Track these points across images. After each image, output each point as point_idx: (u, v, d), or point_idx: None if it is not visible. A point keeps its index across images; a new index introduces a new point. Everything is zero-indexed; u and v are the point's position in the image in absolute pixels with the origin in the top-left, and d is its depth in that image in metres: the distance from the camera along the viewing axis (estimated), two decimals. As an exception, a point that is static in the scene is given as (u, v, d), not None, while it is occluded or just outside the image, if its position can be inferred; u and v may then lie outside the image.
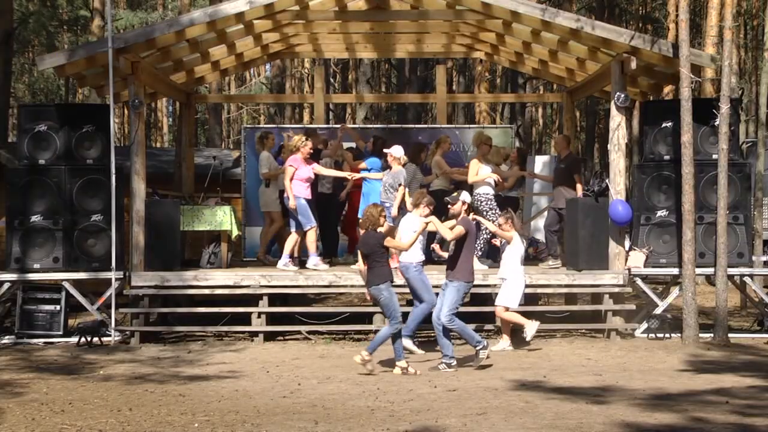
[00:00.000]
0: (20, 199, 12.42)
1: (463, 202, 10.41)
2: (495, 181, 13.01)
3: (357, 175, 13.34)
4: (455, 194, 10.65)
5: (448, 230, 10.21)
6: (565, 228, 13.44)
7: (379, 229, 9.97)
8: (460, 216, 10.33)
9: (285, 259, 12.82)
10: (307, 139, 12.88)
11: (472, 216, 10.71)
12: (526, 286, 11.46)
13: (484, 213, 12.65)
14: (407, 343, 10.61)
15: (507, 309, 11.11)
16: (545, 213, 18.57)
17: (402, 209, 12.01)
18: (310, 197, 12.83)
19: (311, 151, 12.95)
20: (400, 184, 12.35)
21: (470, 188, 12.76)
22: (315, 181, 13.18)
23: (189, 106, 16.05)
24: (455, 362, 10.00)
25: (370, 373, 9.58)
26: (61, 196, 12.43)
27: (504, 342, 11.21)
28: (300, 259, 13.27)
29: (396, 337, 9.75)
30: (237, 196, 15.92)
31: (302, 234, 12.89)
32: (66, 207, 12.44)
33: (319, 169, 13.04)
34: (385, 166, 12.87)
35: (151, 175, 13.81)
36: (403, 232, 10.74)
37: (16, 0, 26.37)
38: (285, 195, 12.84)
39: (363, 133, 15.89)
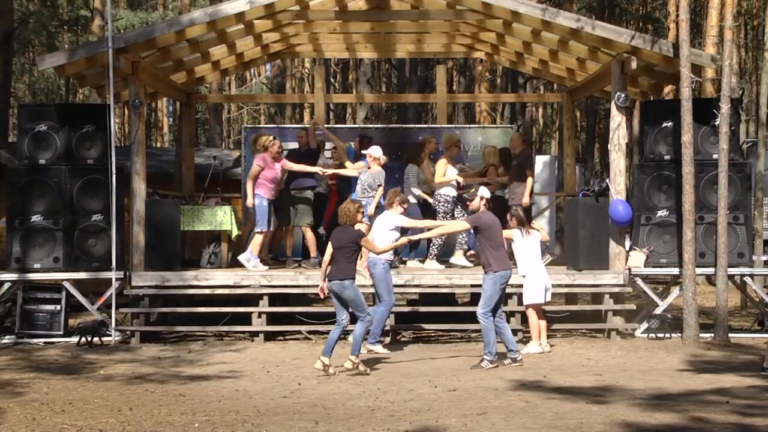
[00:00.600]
0: (20, 199, 12.43)
1: (481, 198, 10.45)
2: (458, 183, 13.01)
3: (329, 171, 13.31)
4: (473, 190, 10.70)
5: (441, 228, 10.30)
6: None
7: (358, 226, 9.98)
8: (479, 212, 10.36)
9: (255, 260, 12.76)
10: (274, 138, 12.89)
11: (526, 227, 10.90)
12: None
13: (441, 214, 12.80)
14: (377, 348, 10.79)
15: (532, 306, 10.99)
16: (546, 213, 18.64)
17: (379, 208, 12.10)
18: (272, 198, 12.81)
19: (280, 150, 12.95)
20: (379, 185, 12.37)
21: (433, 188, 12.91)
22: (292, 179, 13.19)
23: (189, 106, 16.05)
24: (520, 356, 10.14)
25: (363, 373, 9.57)
26: (62, 196, 12.44)
27: (533, 344, 11.03)
28: (278, 259, 13.35)
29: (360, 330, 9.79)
30: (237, 196, 15.89)
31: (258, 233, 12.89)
32: (66, 207, 12.44)
33: (289, 165, 13.03)
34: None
35: (152, 175, 13.80)
36: (377, 230, 10.82)
37: (16, 0, 26.36)
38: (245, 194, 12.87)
39: (362, 134, 15.86)
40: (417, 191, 13.57)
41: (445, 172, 12.97)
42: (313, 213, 13.55)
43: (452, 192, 13.01)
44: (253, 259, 12.75)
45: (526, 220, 11.16)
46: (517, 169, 13.38)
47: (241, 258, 12.79)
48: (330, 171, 13.36)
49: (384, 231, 10.82)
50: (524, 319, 11.64)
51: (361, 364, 9.67)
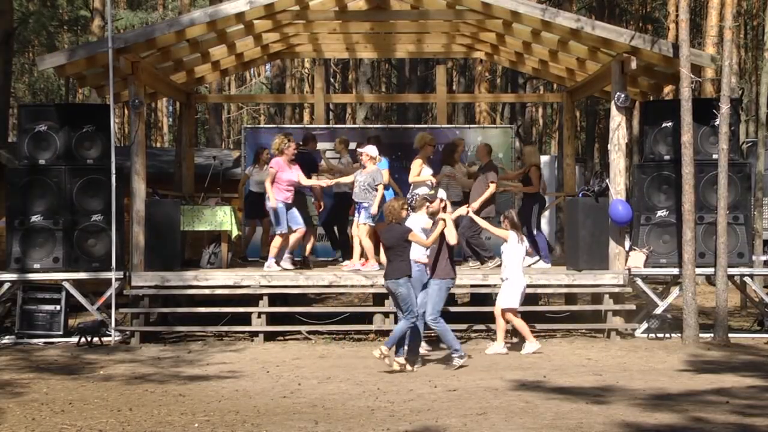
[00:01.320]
0: (20, 199, 12.42)
1: (441, 200, 10.44)
2: (432, 184, 12.94)
3: (332, 182, 13.17)
4: (432, 192, 10.68)
5: (430, 238, 10.28)
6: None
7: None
8: (438, 214, 10.34)
9: (270, 261, 12.72)
10: (289, 141, 12.71)
11: (518, 232, 11.01)
12: (527, 286, 11.44)
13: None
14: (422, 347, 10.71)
15: (509, 310, 11.03)
16: (545, 213, 18.63)
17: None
18: (290, 201, 12.67)
19: (295, 152, 12.81)
20: (378, 183, 12.34)
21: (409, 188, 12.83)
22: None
23: (189, 106, 16.05)
24: (464, 353, 10.15)
25: (390, 367, 9.63)
26: (61, 196, 12.44)
27: (498, 345, 11.07)
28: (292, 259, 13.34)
29: (405, 333, 9.82)
30: (237, 196, 15.91)
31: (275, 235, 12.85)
32: (66, 207, 12.44)
33: (302, 179, 12.84)
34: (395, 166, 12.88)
35: (151, 175, 13.81)
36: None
37: (16, 0, 26.37)
38: (266, 196, 12.69)
39: (363, 133, 15.88)
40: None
41: (420, 171, 12.88)
42: (340, 214, 13.69)
43: (426, 191, 12.93)
44: (270, 260, 12.71)
45: (519, 224, 11.23)
46: (484, 180, 13.23)
47: (265, 267, 12.72)
48: (332, 182, 13.17)
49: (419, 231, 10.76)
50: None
51: (389, 358, 9.68)
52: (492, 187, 13.06)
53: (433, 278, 10.20)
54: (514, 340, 11.48)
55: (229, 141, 39.15)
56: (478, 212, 12.50)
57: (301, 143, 13.79)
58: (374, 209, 12.18)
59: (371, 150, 12.55)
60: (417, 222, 10.77)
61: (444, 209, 10.46)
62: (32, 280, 12.38)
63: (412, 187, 12.80)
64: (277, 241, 12.68)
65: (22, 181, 12.47)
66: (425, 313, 10.06)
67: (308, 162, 13.43)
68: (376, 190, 12.34)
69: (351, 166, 13.96)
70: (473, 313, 12.24)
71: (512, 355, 10.87)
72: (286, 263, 12.78)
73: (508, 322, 11.08)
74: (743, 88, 25.41)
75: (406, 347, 9.89)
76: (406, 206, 10.15)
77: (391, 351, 9.80)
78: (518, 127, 30.14)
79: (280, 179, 12.51)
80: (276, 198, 12.46)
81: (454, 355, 10.08)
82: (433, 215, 10.43)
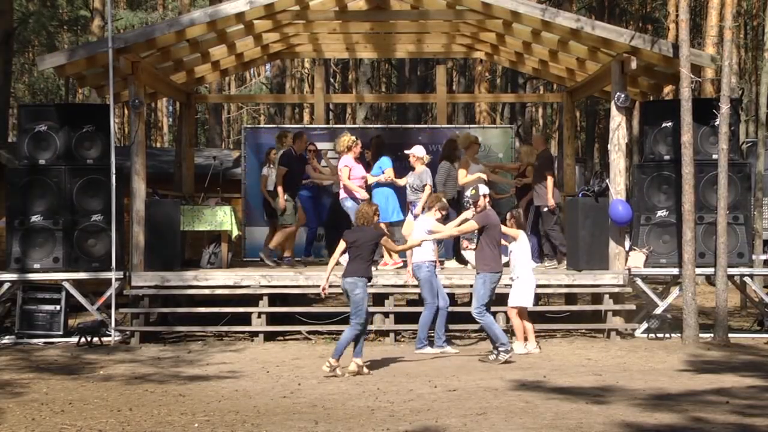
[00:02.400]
0: (20, 199, 12.42)
1: (484, 196, 10.52)
2: (485, 179, 13.01)
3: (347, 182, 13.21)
4: (473, 191, 10.71)
5: (454, 228, 10.33)
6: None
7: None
8: (485, 209, 10.45)
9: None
10: (357, 138, 12.94)
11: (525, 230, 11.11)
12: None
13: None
14: (443, 348, 10.82)
15: (523, 308, 10.97)
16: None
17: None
18: (365, 198, 12.61)
19: (361, 150, 13.03)
20: (425, 184, 12.35)
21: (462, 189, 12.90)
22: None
23: (189, 106, 16.05)
24: (510, 347, 10.25)
25: (336, 375, 9.51)
26: (61, 196, 12.44)
27: (530, 344, 11.00)
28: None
29: (359, 337, 9.70)
30: (237, 196, 15.91)
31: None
32: (66, 207, 12.44)
33: (314, 173, 13.02)
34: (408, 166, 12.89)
35: (151, 175, 13.81)
36: (414, 231, 10.80)
37: (16, 0, 26.36)
38: (343, 196, 12.83)
39: (363, 134, 15.87)
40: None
41: (467, 172, 12.99)
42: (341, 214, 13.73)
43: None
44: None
45: (524, 224, 11.24)
46: (538, 170, 13.38)
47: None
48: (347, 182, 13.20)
49: (420, 233, 10.75)
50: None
51: (339, 368, 9.53)
52: (550, 181, 13.14)
53: (477, 272, 10.31)
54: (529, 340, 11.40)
55: (229, 141, 39.16)
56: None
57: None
58: (418, 209, 12.08)
59: (418, 150, 12.56)
60: (425, 223, 10.79)
61: (491, 203, 10.63)
62: (32, 280, 12.38)
63: (463, 188, 12.93)
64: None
65: (22, 181, 12.48)
66: (471, 305, 10.23)
67: (295, 160, 13.46)
68: (423, 190, 12.33)
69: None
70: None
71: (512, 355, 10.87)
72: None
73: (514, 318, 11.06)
74: (743, 88, 25.40)
75: (362, 347, 9.75)
76: (378, 212, 10.07)
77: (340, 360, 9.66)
78: (518, 127, 30.14)
79: (354, 176, 12.70)
80: (359, 197, 12.57)
81: (500, 349, 10.16)
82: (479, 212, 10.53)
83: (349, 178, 12.70)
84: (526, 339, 10.99)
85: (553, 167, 13.64)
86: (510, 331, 11.30)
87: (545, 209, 13.17)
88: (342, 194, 12.89)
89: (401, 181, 12.92)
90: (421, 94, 25.49)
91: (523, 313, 10.99)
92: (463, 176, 13.02)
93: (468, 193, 12.83)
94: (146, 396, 8.62)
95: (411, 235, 10.95)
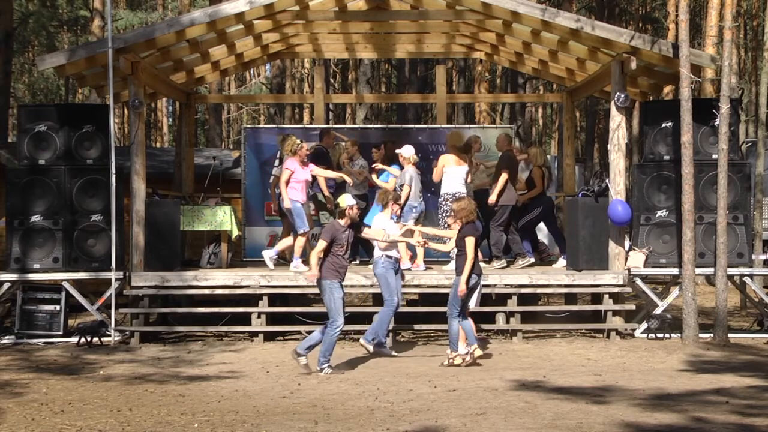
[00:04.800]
0: (20, 199, 12.43)
1: (350, 207, 10.03)
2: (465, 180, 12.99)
3: (349, 179, 13.21)
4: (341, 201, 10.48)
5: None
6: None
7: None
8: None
9: (297, 261, 12.72)
10: (302, 142, 12.78)
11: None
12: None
13: (445, 212, 12.36)
14: (368, 346, 10.64)
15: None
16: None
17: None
18: (304, 200, 12.68)
19: (308, 152, 12.87)
20: (401, 184, 12.35)
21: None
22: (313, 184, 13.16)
23: (189, 106, 16.06)
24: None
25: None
26: (61, 196, 12.44)
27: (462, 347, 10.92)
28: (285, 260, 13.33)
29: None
30: (237, 196, 15.92)
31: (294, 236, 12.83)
32: (66, 207, 12.45)
33: (317, 171, 12.95)
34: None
35: (151, 175, 13.82)
36: (373, 230, 10.74)
37: (16, 0, 26.36)
38: (280, 197, 12.74)
39: (363, 134, 15.87)
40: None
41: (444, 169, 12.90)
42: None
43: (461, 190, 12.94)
44: (296, 260, 12.70)
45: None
46: (497, 168, 13.26)
47: (291, 267, 12.72)
48: (349, 179, 13.16)
49: (380, 232, 10.72)
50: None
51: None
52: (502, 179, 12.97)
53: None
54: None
55: (229, 141, 39.15)
56: (496, 203, 12.77)
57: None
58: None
59: (406, 150, 12.54)
60: (381, 221, 10.79)
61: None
62: (32, 280, 12.38)
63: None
64: (300, 241, 12.67)
65: (22, 181, 12.48)
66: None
67: (322, 157, 13.45)
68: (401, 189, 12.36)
69: (363, 171, 13.94)
70: (473, 314, 12.21)
71: (512, 356, 10.88)
72: (271, 263, 12.80)
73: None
74: (743, 88, 25.41)
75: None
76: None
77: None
78: (518, 127, 30.14)
79: (296, 179, 12.55)
80: (292, 198, 12.49)
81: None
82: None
83: (288, 181, 12.45)
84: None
85: (514, 169, 13.38)
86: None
87: (496, 207, 13.00)
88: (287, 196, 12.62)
89: (389, 185, 12.91)
90: (420, 95, 25.48)
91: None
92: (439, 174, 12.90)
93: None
94: (146, 396, 8.62)
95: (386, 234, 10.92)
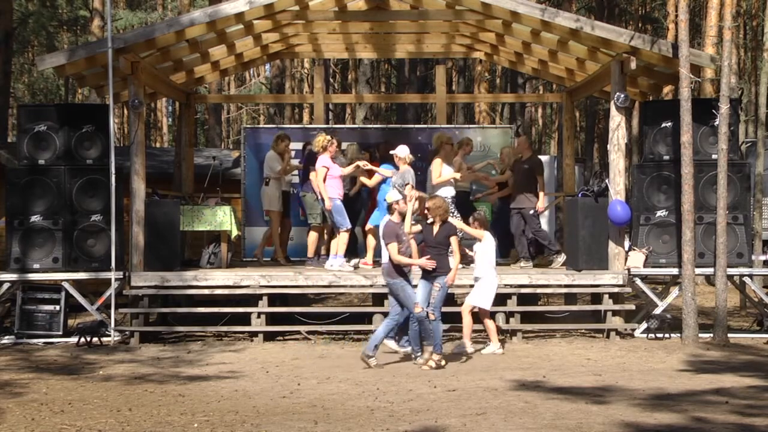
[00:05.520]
0: (20, 199, 12.43)
1: (396, 202, 10.29)
2: (454, 182, 13.02)
3: (369, 167, 13.18)
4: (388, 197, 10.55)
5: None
6: (527, 229, 13.49)
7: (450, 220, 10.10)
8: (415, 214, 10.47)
9: (340, 260, 12.68)
10: (332, 138, 12.85)
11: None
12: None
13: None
14: (405, 348, 10.70)
15: (484, 310, 10.93)
16: (545, 213, 18.62)
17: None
18: (342, 196, 12.68)
19: (338, 149, 12.95)
20: (406, 183, 12.34)
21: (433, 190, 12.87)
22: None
23: (189, 106, 16.06)
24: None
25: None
26: (61, 196, 12.44)
27: (493, 345, 11.05)
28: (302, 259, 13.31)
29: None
30: (237, 196, 15.92)
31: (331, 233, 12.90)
32: (66, 207, 12.45)
33: (341, 170, 12.96)
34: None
35: (151, 175, 13.82)
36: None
37: (16, 0, 26.36)
38: (319, 197, 12.69)
39: (363, 134, 15.87)
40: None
41: (441, 172, 12.94)
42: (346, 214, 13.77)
43: (451, 191, 12.99)
44: (340, 259, 12.69)
45: (488, 224, 11.21)
46: (528, 174, 13.46)
47: (327, 265, 12.69)
48: (368, 167, 13.13)
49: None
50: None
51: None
52: (540, 180, 13.37)
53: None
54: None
55: (228, 141, 39.16)
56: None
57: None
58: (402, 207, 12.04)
59: (401, 150, 12.56)
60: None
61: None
62: (32, 280, 12.38)
63: (432, 188, 12.86)
64: (344, 238, 12.68)
65: (21, 181, 12.48)
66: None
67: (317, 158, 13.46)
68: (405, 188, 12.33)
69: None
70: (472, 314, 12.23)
71: (512, 356, 10.88)
72: (346, 266, 12.71)
73: (480, 321, 11.02)
74: (743, 88, 25.40)
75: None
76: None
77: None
78: (518, 127, 30.17)
79: (332, 176, 12.57)
80: (332, 196, 12.51)
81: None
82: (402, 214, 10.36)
83: (325, 179, 12.50)
84: (465, 338, 10.84)
85: (543, 173, 13.73)
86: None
87: (531, 212, 13.24)
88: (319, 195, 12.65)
89: (371, 182, 12.99)
90: (420, 95, 25.49)
91: (485, 313, 10.95)
92: (436, 176, 12.95)
93: (440, 193, 12.76)
94: (146, 396, 8.62)
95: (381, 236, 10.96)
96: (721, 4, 19.93)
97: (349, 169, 13.04)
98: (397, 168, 12.53)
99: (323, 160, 12.61)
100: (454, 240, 10.11)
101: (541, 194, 13.40)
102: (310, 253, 13.52)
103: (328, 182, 12.57)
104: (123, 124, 34.63)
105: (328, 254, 13.32)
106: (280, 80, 32.70)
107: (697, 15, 30.54)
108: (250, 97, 31.92)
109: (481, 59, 23.16)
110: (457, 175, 13.09)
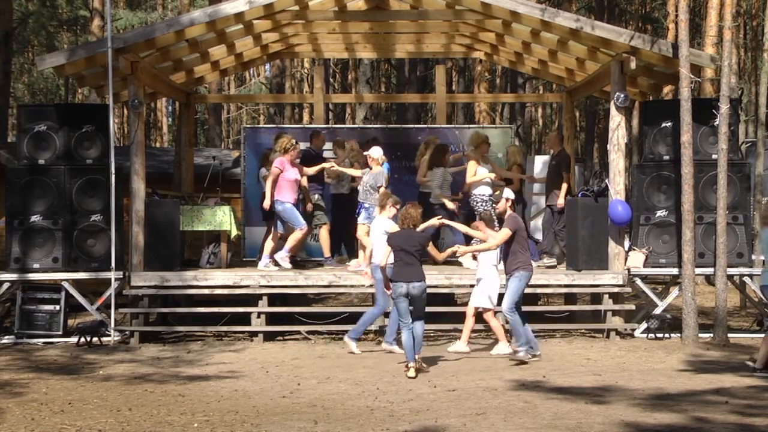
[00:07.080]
0: (20, 199, 12.43)
1: (507, 199, 10.59)
2: (491, 181, 13.06)
3: (336, 168, 13.19)
4: (498, 193, 10.81)
5: (493, 238, 10.35)
6: (556, 226, 13.53)
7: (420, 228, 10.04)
8: (506, 213, 10.51)
9: (266, 259, 12.79)
10: (296, 143, 12.82)
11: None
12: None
13: (481, 213, 12.56)
14: (350, 343, 10.90)
15: (486, 310, 10.89)
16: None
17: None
18: (294, 201, 12.69)
19: (299, 154, 12.92)
20: (380, 186, 12.33)
21: (469, 189, 12.93)
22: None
23: (189, 106, 16.05)
24: (533, 351, 10.28)
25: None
26: (61, 196, 12.44)
27: (503, 345, 11.04)
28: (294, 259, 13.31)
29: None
30: (237, 196, 15.92)
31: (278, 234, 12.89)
32: (66, 207, 12.45)
33: (306, 170, 12.96)
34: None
35: (151, 175, 13.82)
36: (375, 235, 10.81)
37: (16, 0, 26.36)
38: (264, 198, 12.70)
39: (362, 133, 15.87)
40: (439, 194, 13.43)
41: (476, 171, 12.99)
42: (338, 214, 13.76)
43: (488, 191, 12.98)
44: (265, 259, 12.75)
45: (494, 224, 11.20)
46: (556, 170, 13.57)
47: (277, 257, 12.74)
48: (337, 168, 13.26)
49: (380, 236, 10.72)
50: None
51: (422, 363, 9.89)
52: (563, 187, 13.40)
53: (512, 272, 10.35)
54: (490, 340, 11.49)
55: (228, 141, 39.15)
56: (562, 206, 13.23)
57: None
58: (376, 211, 12.08)
59: (374, 152, 12.56)
60: (382, 223, 10.80)
61: (512, 208, 10.65)
62: (32, 280, 12.38)
63: (470, 187, 12.90)
64: (297, 235, 12.69)
65: (21, 181, 12.48)
66: (505, 303, 10.32)
67: (311, 160, 13.46)
68: (378, 191, 12.34)
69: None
70: (443, 313, 12.22)
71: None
72: (285, 262, 12.76)
73: (484, 322, 11.01)
74: (743, 88, 25.41)
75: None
76: (420, 212, 10.07)
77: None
78: (518, 127, 30.16)
79: (284, 179, 12.54)
80: (281, 199, 12.48)
81: (519, 348, 10.26)
82: (500, 216, 10.64)
83: (276, 180, 12.46)
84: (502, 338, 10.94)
85: (570, 168, 13.81)
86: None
87: (557, 209, 13.35)
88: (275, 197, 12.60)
89: (357, 173, 13.04)
90: (420, 94, 25.48)
91: (490, 314, 10.91)
92: (471, 175, 13.00)
93: (477, 192, 12.81)
94: (146, 396, 8.62)
95: (372, 237, 10.97)
96: (721, 4, 19.93)
97: (313, 170, 13.07)
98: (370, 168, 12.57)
99: (279, 162, 12.57)
100: (431, 246, 10.12)
101: (563, 190, 13.32)
102: (326, 252, 13.55)
103: (282, 185, 12.54)
104: (123, 124, 34.62)
105: (332, 255, 13.47)
106: (280, 80, 32.68)
107: (697, 15, 30.54)
108: (250, 97, 31.91)
109: (481, 59, 23.14)
110: (492, 175, 13.10)
